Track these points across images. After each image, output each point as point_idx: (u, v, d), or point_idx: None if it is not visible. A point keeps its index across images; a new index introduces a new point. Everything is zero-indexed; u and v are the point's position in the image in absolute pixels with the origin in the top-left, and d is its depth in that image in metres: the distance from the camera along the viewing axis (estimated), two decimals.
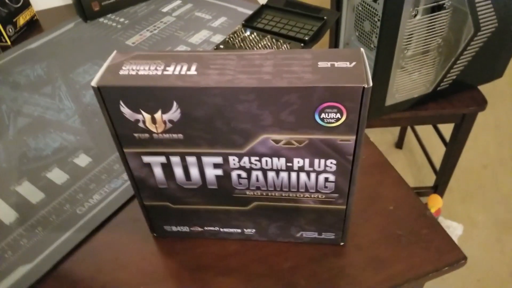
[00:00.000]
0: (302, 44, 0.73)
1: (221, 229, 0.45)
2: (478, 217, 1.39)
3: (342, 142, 0.35)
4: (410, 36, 0.87)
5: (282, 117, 0.33)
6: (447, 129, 1.15)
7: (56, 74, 0.74)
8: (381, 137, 1.72)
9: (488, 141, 1.66)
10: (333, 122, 0.33)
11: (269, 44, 0.74)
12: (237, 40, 0.75)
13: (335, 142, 0.35)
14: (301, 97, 0.32)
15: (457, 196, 1.46)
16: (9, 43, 0.83)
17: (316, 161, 0.37)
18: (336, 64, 0.33)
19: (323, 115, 0.33)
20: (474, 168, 1.55)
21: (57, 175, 0.55)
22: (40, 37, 0.85)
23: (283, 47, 0.73)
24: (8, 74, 0.75)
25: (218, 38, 0.80)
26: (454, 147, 1.13)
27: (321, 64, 0.33)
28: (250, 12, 0.88)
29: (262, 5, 0.85)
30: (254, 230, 0.45)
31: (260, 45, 0.74)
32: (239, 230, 0.45)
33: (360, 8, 0.87)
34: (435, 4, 0.86)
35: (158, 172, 0.39)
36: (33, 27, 0.90)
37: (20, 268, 0.45)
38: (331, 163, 0.37)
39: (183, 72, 0.33)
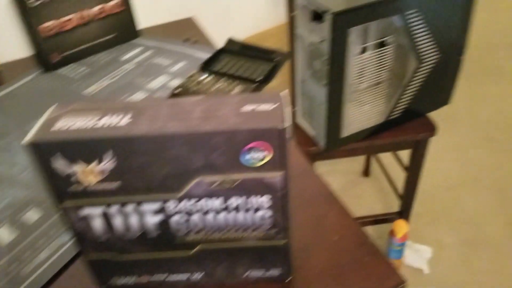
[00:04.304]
0: (255, 85, 0.77)
1: (169, 276, 0.46)
2: (446, 239, 1.42)
3: (271, 179, 0.37)
4: (360, 71, 0.92)
5: (212, 160, 0.36)
6: (407, 154, 1.20)
7: (12, 127, 0.74)
8: (349, 166, 1.76)
9: (450, 163, 1.72)
10: (259, 161, 0.36)
11: (223, 86, 0.77)
12: (193, 84, 0.79)
13: (265, 180, 0.37)
14: (226, 140, 0.34)
15: (424, 220, 1.49)
16: None
17: (251, 199, 0.39)
18: (259, 107, 0.36)
19: (249, 155, 0.35)
20: (438, 191, 1.60)
21: (6, 233, 0.55)
22: None
23: (237, 88, 0.76)
24: None
25: (176, 83, 0.83)
26: (413, 172, 1.17)
27: (245, 108, 0.36)
28: (208, 56, 0.92)
29: (219, 49, 0.89)
30: (201, 274, 0.46)
31: (215, 88, 0.77)
32: (186, 275, 0.46)
33: (310, 49, 0.92)
34: (379, 41, 0.92)
35: (98, 223, 0.40)
36: None
37: None
38: (265, 199, 0.39)
39: (116, 123, 0.35)
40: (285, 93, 0.37)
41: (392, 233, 1.24)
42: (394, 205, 1.56)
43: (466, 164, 1.71)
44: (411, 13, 0.85)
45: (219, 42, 0.96)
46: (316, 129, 1.04)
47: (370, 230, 1.48)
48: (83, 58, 0.95)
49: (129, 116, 0.36)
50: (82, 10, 0.90)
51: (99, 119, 0.36)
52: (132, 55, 0.95)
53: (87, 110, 0.37)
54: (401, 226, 1.21)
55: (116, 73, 0.88)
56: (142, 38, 1.01)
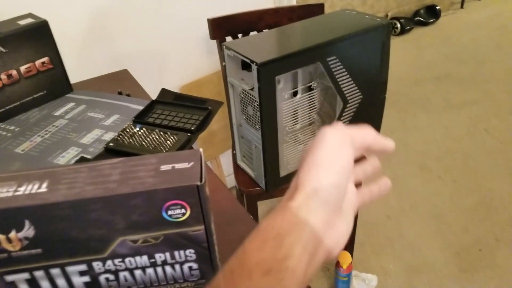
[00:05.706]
0: (189, 134, 0.79)
1: None
2: (389, 266, 1.47)
3: (194, 233, 0.39)
4: (293, 113, 0.97)
5: (133, 219, 0.37)
6: None
7: None
8: None
9: (388, 193, 1.81)
10: (180, 217, 0.37)
11: (157, 137, 0.78)
12: (126, 137, 0.79)
13: (188, 234, 0.39)
14: (145, 199, 0.36)
15: (369, 249, 1.55)
16: None
17: (176, 253, 0.40)
18: (176, 166, 0.38)
19: (170, 212, 0.37)
20: (379, 220, 1.68)
21: None
22: None
23: (170, 138, 0.78)
24: None
25: (110, 136, 0.83)
26: None
27: (164, 167, 0.38)
28: (142, 107, 0.93)
29: (153, 101, 0.91)
30: None
31: (148, 139, 0.78)
32: None
33: (242, 96, 0.96)
34: (308, 85, 0.98)
35: None
36: None
37: None
38: (190, 252, 0.40)
39: (33, 191, 0.36)
40: (201, 151, 0.39)
41: (337, 265, 1.28)
42: None
43: (403, 193, 1.81)
44: (331, 60, 0.92)
45: (156, 92, 0.98)
46: (255, 171, 1.07)
47: None
48: (13, 116, 0.93)
49: (45, 184, 0.36)
50: (10, 70, 0.89)
51: (16, 188, 0.36)
52: (65, 110, 0.94)
53: (4, 180, 0.37)
54: (345, 258, 1.25)
55: (48, 130, 0.87)
56: (75, 92, 1.01)
